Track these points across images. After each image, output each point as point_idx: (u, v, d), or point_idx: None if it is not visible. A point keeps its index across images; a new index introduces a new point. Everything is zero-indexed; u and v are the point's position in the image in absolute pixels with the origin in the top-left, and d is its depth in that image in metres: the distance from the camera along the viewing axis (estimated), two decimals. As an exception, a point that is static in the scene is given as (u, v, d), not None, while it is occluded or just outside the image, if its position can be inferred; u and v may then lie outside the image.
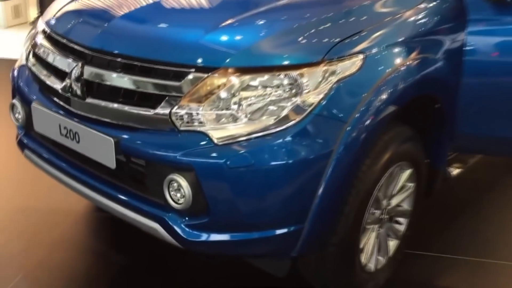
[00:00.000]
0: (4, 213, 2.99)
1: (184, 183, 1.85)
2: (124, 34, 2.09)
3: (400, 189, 2.42)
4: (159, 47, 1.99)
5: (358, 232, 2.19)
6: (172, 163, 1.87)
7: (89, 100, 2.06)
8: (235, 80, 1.86)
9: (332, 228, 2.05)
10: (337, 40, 1.95)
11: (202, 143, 1.86)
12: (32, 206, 3.02)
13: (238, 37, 1.97)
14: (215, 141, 1.84)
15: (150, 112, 1.92)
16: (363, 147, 1.99)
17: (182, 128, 1.89)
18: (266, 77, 1.88)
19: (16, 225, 2.89)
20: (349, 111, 1.92)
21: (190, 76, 1.88)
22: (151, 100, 1.94)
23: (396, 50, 2.10)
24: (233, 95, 1.87)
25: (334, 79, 1.91)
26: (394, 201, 2.41)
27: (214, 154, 1.83)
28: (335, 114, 1.90)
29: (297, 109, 1.86)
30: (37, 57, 2.36)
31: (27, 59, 2.43)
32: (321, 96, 1.88)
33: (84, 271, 2.62)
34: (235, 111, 1.86)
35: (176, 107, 1.88)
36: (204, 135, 1.86)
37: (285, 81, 1.88)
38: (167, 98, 1.90)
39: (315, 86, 1.89)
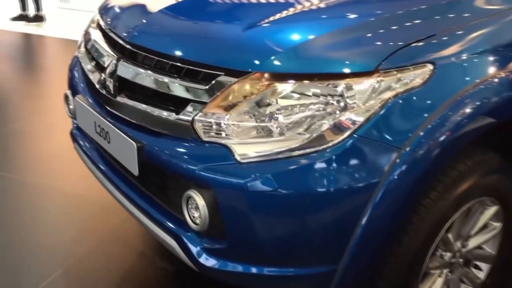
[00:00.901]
0: (56, 203, 2.97)
1: (201, 201, 1.61)
2: (158, 30, 1.89)
3: (482, 228, 1.98)
4: (188, 45, 1.76)
5: (417, 277, 1.81)
6: (191, 178, 1.64)
7: (119, 98, 1.89)
8: (268, 87, 1.58)
9: (376, 272, 1.69)
10: (398, 45, 1.58)
11: (224, 158, 1.60)
12: (84, 197, 2.96)
13: (277, 38, 1.68)
14: (237, 158, 1.57)
15: (173, 117, 1.69)
16: (425, 178, 1.61)
17: (205, 139, 1.64)
18: (305, 85, 1.57)
19: (66, 216, 2.84)
20: (406, 134, 1.55)
21: (219, 80, 1.63)
22: (177, 104, 1.72)
23: (480, 60, 1.67)
24: (266, 105, 1.58)
25: (389, 94, 1.55)
26: (472, 243, 1.98)
27: (234, 173, 1.57)
28: (386, 137, 1.54)
29: (338, 128, 1.53)
30: (86, 48, 2.24)
31: (78, 48, 2.33)
32: (369, 113, 1.53)
33: (128, 271, 2.49)
34: (266, 124, 1.58)
35: (200, 113, 1.64)
36: (227, 150, 1.60)
37: (328, 92, 1.55)
38: (192, 103, 1.67)
39: (364, 101, 1.54)
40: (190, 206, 1.67)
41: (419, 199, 1.65)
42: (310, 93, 1.56)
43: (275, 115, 1.57)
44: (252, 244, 1.60)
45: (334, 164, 1.51)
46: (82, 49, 2.27)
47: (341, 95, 1.55)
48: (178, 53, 1.74)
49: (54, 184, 3.13)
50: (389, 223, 1.60)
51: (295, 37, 1.67)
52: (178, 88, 1.70)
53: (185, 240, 1.72)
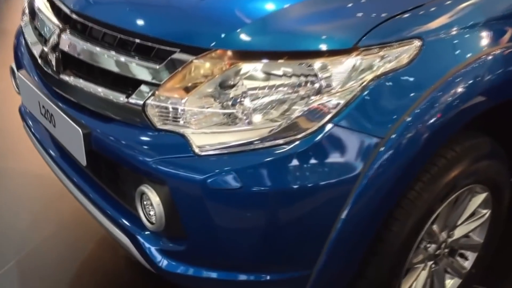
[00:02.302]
0: (9, 186, 2.73)
1: (155, 198, 1.40)
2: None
3: (469, 216, 1.81)
4: (139, 16, 1.51)
5: (400, 274, 1.64)
6: (143, 172, 1.42)
7: (63, 76, 1.65)
8: (232, 66, 1.35)
9: (354, 272, 1.51)
10: (381, 18, 1.36)
11: (180, 149, 1.38)
12: (42, 178, 2.71)
13: (241, 9, 1.44)
14: (195, 149, 1.36)
15: (122, 100, 1.46)
16: (411, 169, 1.42)
17: (159, 126, 1.42)
18: (275, 65, 1.34)
19: (22, 199, 2.62)
20: (390, 121, 1.34)
21: (174, 58, 1.39)
22: (127, 85, 1.49)
23: (472, 34, 1.46)
24: (229, 88, 1.36)
25: (371, 75, 1.34)
26: (458, 232, 1.81)
27: (191, 167, 1.35)
28: (367, 125, 1.33)
29: (312, 115, 1.32)
30: (30, 15, 1.97)
31: (22, 15, 2.05)
32: (348, 98, 1.32)
33: (89, 258, 2.30)
34: (229, 110, 1.36)
35: (152, 97, 1.41)
36: (184, 140, 1.38)
37: (301, 73, 1.33)
38: (143, 84, 1.44)
39: (341, 83, 1.33)
40: (144, 202, 1.46)
41: (403, 192, 1.47)
42: (280, 74, 1.34)
43: (240, 99, 1.35)
44: (215, 247, 1.41)
45: (308, 157, 1.31)
46: (26, 16, 1.99)
47: (315, 76, 1.33)
48: (127, 25, 1.50)
49: (6, 165, 2.89)
50: (369, 221, 1.42)
51: (263, 7, 1.43)
52: (127, 66, 1.47)
53: (141, 240, 1.51)
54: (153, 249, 1.50)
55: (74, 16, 1.64)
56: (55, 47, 1.66)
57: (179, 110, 1.39)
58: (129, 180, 1.54)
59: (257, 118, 1.34)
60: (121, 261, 2.30)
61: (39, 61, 1.75)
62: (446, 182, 1.57)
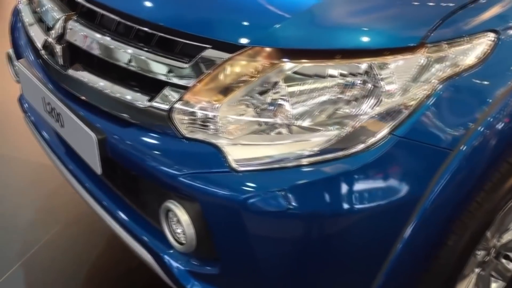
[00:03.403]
0: (12, 177, 2.54)
1: (184, 217, 1.22)
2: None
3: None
4: (162, 4, 1.29)
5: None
6: (170, 186, 1.24)
7: (71, 71, 1.44)
8: (274, 67, 1.15)
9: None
10: (449, 9, 1.16)
11: (213, 163, 1.19)
12: (46, 167, 2.52)
13: (283, 1, 1.22)
14: (232, 164, 1.17)
15: (144, 104, 1.26)
16: (480, 181, 1.25)
17: (187, 135, 1.23)
18: (324, 66, 1.14)
19: (26, 192, 2.43)
20: (458, 131, 1.15)
21: (204, 55, 1.19)
22: (149, 86, 1.29)
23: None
24: (270, 92, 1.16)
25: (438, 77, 1.14)
26: (507, 236, 1.66)
27: (229, 185, 1.17)
28: (434, 137, 1.14)
29: (370, 125, 1.13)
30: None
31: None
32: (412, 104, 1.13)
33: (97, 257, 2.14)
34: (270, 118, 1.17)
35: (180, 101, 1.21)
36: (218, 151, 1.19)
37: (354, 75, 1.14)
38: (169, 86, 1.24)
39: (404, 87, 1.13)
40: (171, 220, 1.28)
41: (466, 206, 1.29)
42: (332, 76, 1.14)
43: (285, 106, 1.16)
44: (254, 273, 1.23)
45: (367, 174, 1.12)
46: (24, -3, 1.77)
47: (374, 79, 1.13)
48: (147, 14, 1.28)
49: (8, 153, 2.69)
50: (431, 240, 1.25)
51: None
52: (147, 63, 1.26)
53: (166, 259, 1.34)
54: (181, 270, 1.32)
55: (82, 1, 1.42)
56: (61, 38, 1.45)
57: (212, 117, 1.19)
58: (152, 192, 1.36)
59: (305, 128, 1.15)
60: (134, 262, 2.13)
61: (42, 52, 1.54)
62: (507, 188, 1.39)
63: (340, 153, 1.12)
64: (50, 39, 1.48)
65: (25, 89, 1.72)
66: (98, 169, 1.39)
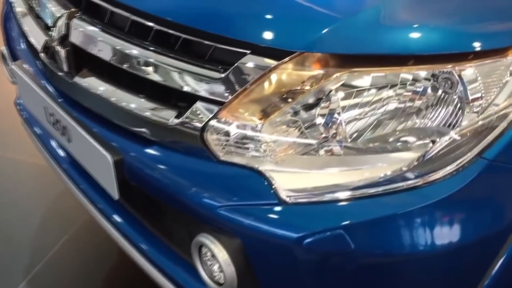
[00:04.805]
0: (16, 181, 2.33)
1: (222, 254, 1.03)
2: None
3: None
4: (190, 3, 1.07)
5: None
6: (204, 218, 1.04)
7: (78, 79, 1.23)
8: (331, 77, 0.95)
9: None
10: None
11: (258, 192, 0.99)
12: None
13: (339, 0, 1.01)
14: (282, 194, 0.97)
15: (172, 122, 1.06)
16: None
17: (223, 158, 1.03)
18: (391, 74, 0.94)
19: (30, 198, 2.23)
20: None
21: (243, 63, 0.98)
22: (174, 99, 1.08)
23: None
24: (326, 107, 0.96)
25: None
26: None
27: (279, 220, 0.97)
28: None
29: (454, 146, 0.93)
30: None
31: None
32: (505, 122, 0.92)
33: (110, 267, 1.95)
34: (326, 137, 0.96)
35: (215, 119, 1.01)
36: (262, 178, 0.99)
37: (431, 85, 0.93)
38: (200, 100, 1.03)
39: (494, 99, 0.93)
40: (204, 256, 1.09)
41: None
42: (400, 87, 0.94)
43: (341, 124, 0.95)
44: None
45: (448, 206, 0.92)
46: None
47: (454, 89, 0.93)
48: (168, 13, 1.07)
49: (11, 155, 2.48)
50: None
51: None
52: (172, 72, 1.05)
53: (199, 300, 1.15)
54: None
55: None
56: (64, 39, 1.23)
57: (254, 138, 0.99)
58: (179, 220, 1.16)
59: (370, 150, 0.95)
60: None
61: (42, 55, 1.32)
62: None
63: (416, 181, 0.92)
64: (51, 41, 1.26)
65: (24, 95, 1.51)
66: (114, 193, 1.19)
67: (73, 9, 1.24)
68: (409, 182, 0.92)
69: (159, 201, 1.17)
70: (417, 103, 0.94)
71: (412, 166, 0.93)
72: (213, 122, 1.01)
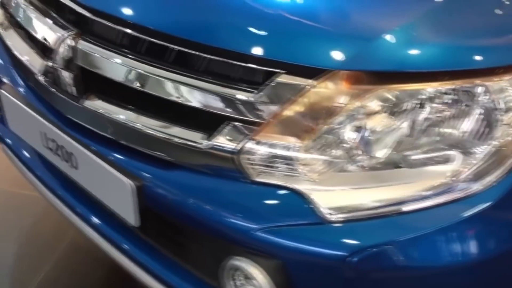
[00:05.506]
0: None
1: (261, 277, 1.01)
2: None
3: None
4: (217, 25, 1.05)
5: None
6: (240, 241, 1.02)
7: (88, 103, 1.17)
8: (372, 94, 0.95)
9: None
10: None
11: (298, 212, 0.98)
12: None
13: (378, 12, 1.02)
14: (324, 213, 0.96)
15: (201, 145, 1.03)
16: None
17: (257, 178, 1.01)
18: (427, 90, 0.96)
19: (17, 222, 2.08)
20: None
21: (279, 83, 0.97)
22: (202, 122, 1.05)
23: None
24: (364, 123, 0.97)
25: None
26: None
27: (324, 239, 0.97)
28: None
29: (492, 160, 0.96)
30: (9, 13, 1.42)
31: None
32: None
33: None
34: (366, 154, 0.97)
35: (251, 140, 0.99)
36: (301, 198, 0.98)
37: (468, 100, 0.96)
38: (232, 122, 1.01)
39: None
40: (237, 280, 1.07)
41: None
42: (436, 102, 0.96)
43: (381, 141, 0.96)
44: None
45: (490, 218, 0.96)
46: (1, 15, 1.44)
47: (489, 102, 0.96)
48: (194, 34, 1.04)
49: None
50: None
51: (403, 14, 1.01)
52: (202, 95, 1.03)
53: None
54: None
55: (93, 17, 1.15)
56: (70, 62, 1.17)
57: (291, 158, 0.98)
58: (204, 246, 1.13)
59: (411, 163, 0.96)
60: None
61: (41, 79, 1.25)
62: None
63: (459, 193, 0.95)
64: (54, 64, 1.20)
65: (11, 119, 1.42)
66: (132, 220, 1.15)
67: (76, 31, 1.18)
68: (451, 194, 0.94)
69: (181, 226, 1.14)
70: (451, 116, 0.97)
71: (453, 179, 0.95)
72: (249, 144, 0.99)
